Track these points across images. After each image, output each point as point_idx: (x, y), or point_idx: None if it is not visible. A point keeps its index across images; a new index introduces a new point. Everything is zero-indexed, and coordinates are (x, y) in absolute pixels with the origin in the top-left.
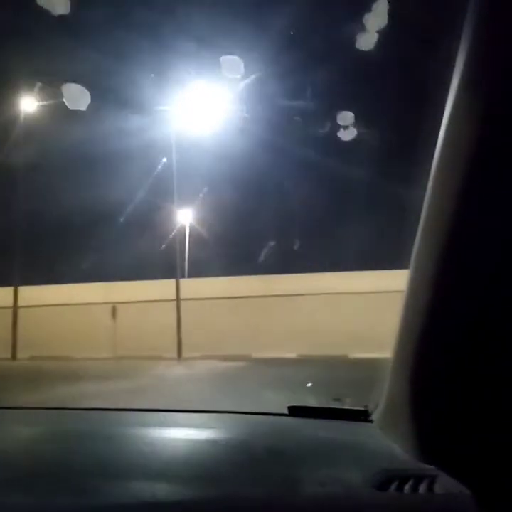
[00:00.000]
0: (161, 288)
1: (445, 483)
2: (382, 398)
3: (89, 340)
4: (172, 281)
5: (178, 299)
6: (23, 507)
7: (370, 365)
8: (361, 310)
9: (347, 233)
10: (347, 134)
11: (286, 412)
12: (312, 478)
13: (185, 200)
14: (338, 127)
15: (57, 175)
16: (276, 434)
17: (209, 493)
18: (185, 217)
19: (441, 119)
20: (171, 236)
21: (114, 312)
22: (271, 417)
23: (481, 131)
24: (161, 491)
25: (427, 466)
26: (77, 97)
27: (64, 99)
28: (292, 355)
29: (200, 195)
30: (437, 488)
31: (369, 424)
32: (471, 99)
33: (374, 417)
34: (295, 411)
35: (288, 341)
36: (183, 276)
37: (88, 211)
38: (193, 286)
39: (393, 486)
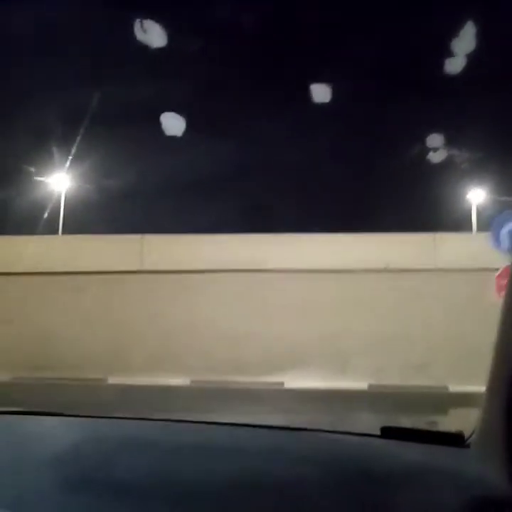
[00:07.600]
0: None
1: None
2: (478, 423)
3: None
4: None
5: None
6: None
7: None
8: None
9: None
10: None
11: (378, 433)
12: (405, 504)
13: None
14: None
15: None
16: (368, 456)
17: None
18: None
19: None
20: None
21: None
22: (362, 438)
23: None
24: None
25: None
26: None
27: None
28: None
29: None
30: None
31: (465, 449)
32: None
33: (470, 442)
34: (388, 432)
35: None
36: None
37: None
38: None
39: None
